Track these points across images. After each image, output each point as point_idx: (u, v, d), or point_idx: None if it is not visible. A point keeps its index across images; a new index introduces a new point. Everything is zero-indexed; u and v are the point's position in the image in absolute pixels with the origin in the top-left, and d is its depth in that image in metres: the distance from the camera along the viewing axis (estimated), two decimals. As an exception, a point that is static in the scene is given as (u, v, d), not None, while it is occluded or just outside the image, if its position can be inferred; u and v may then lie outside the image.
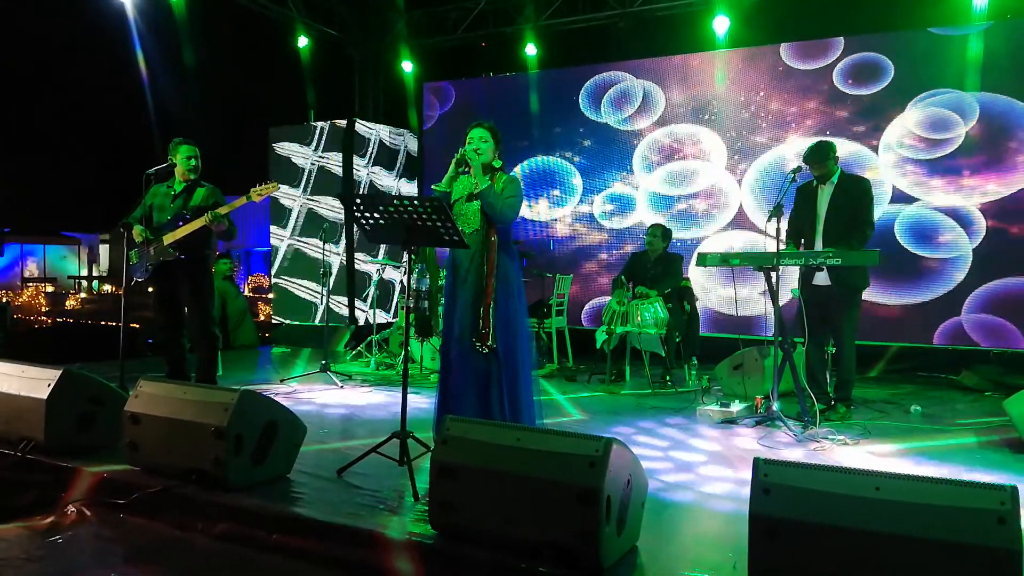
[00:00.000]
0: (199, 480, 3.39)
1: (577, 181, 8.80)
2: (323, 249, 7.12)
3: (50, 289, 22.62)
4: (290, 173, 9.19)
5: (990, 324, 6.94)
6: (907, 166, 7.24)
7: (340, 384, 6.27)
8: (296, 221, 9.23)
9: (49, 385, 3.83)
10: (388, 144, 9.46)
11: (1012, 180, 6.87)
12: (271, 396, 3.76)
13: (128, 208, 5.50)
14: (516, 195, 4.04)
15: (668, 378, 6.27)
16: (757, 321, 7.73)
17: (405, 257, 4.19)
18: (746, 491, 2.45)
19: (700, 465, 4.04)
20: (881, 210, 7.09)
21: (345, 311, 9.06)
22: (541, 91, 9.02)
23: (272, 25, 9.93)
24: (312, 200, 9.16)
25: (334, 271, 9.01)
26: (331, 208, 9.06)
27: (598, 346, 6.41)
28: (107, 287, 24.76)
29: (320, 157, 9.16)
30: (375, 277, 8.43)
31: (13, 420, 3.91)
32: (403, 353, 3.80)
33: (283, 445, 3.61)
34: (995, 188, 6.93)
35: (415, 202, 3.46)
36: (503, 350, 3.98)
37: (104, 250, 30.80)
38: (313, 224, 8.99)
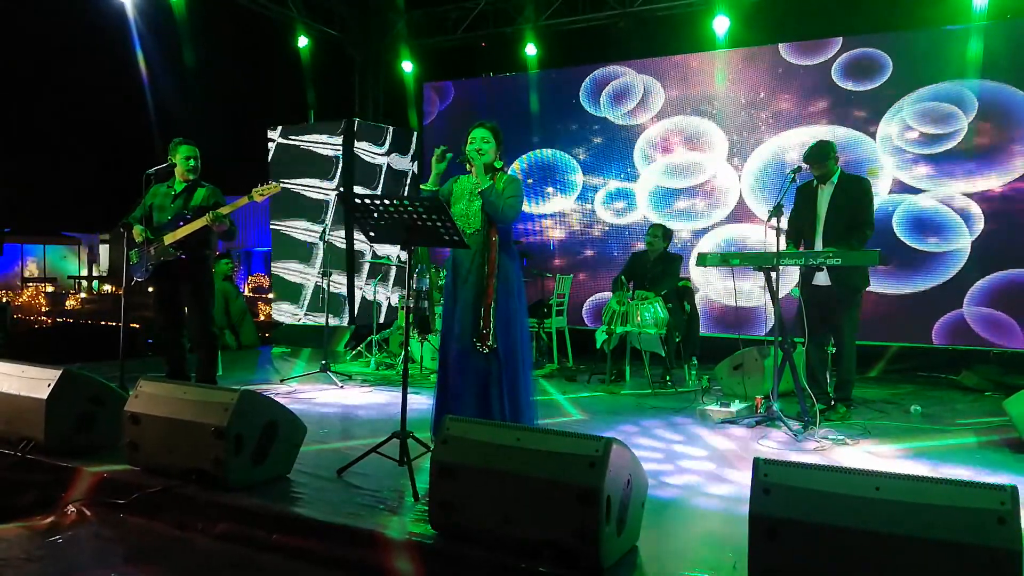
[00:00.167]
0: (199, 480, 3.39)
1: (578, 177, 8.80)
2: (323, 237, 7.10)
3: (50, 289, 22.63)
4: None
5: (992, 318, 6.94)
6: (908, 160, 7.24)
7: (340, 384, 6.27)
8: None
9: (49, 385, 3.83)
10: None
11: (1012, 174, 6.89)
12: (271, 396, 3.76)
13: (128, 208, 5.50)
14: (517, 195, 4.05)
15: (668, 378, 6.27)
16: (757, 314, 7.73)
17: (405, 256, 4.18)
18: (746, 491, 2.45)
19: (700, 465, 4.04)
20: (880, 200, 7.12)
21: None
22: (541, 91, 9.02)
23: (272, 25, 9.93)
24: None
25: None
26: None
27: (598, 346, 6.41)
28: (107, 287, 24.76)
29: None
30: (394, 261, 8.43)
31: (13, 420, 3.91)
32: (403, 353, 3.80)
33: (283, 445, 3.61)
34: (995, 180, 6.94)
35: (415, 202, 3.46)
36: (504, 350, 3.99)
37: (104, 250, 30.81)
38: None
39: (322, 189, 9.11)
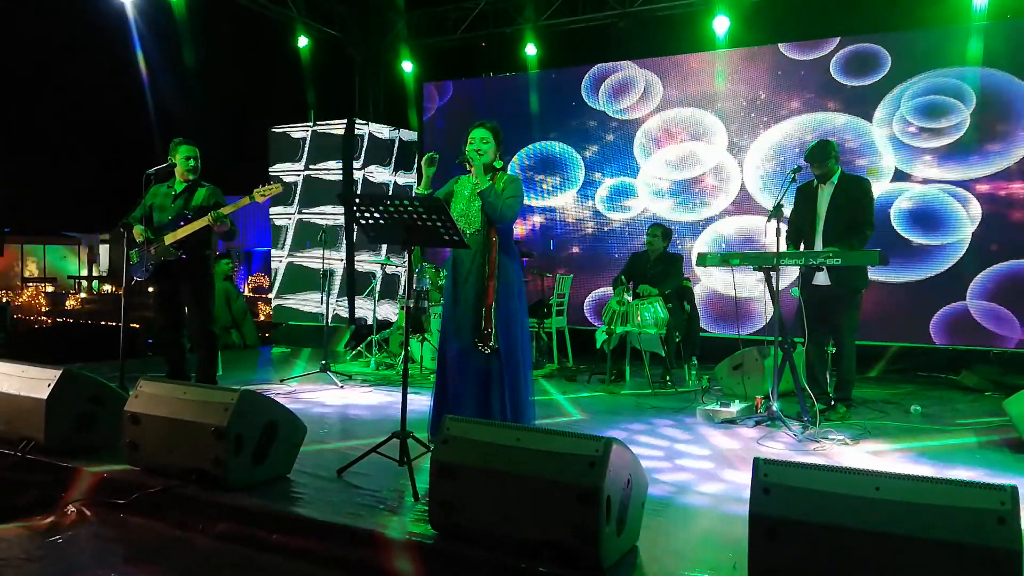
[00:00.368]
0: (199, 480, 3.39)
1: (579, 172, 8.81)
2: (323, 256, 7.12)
3: (50, 289, 22.62)
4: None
5: (994, 311, 6.95)
6: (907, 152, 7.26)
7: (340, 384, 6.27)
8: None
9: (49, 385, 3.83)
10: (382, 138, 9.44)
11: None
12: (271, 396, 3.76)
13: (128, 208, 5.50)
14: (516, 195, 4.04)
15: (668, 378, 6.27)
16: (756, 307, 7.74)
17: (405, 256, 4.18)
18: (746, 491, 2.45)
19: (700, 465, 4.04)
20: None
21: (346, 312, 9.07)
22: (541, 91, 9.03)
23: (272, 25, 9.92)
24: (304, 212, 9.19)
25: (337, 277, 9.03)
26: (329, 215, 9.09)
27: (598, 346, 6.41)
28: (107, 287, 24.74)
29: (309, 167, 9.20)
30: (379, 275, 8.43)
31: (13, 420, 3.90)
32: (403, 353, 3.80)
33: (283, 445, 3.61)
34: (994, 171, 6.96)
35: (415, 202, 3.46)
36: (504, 350, 3.98)
37: (104, 250, 30.79)
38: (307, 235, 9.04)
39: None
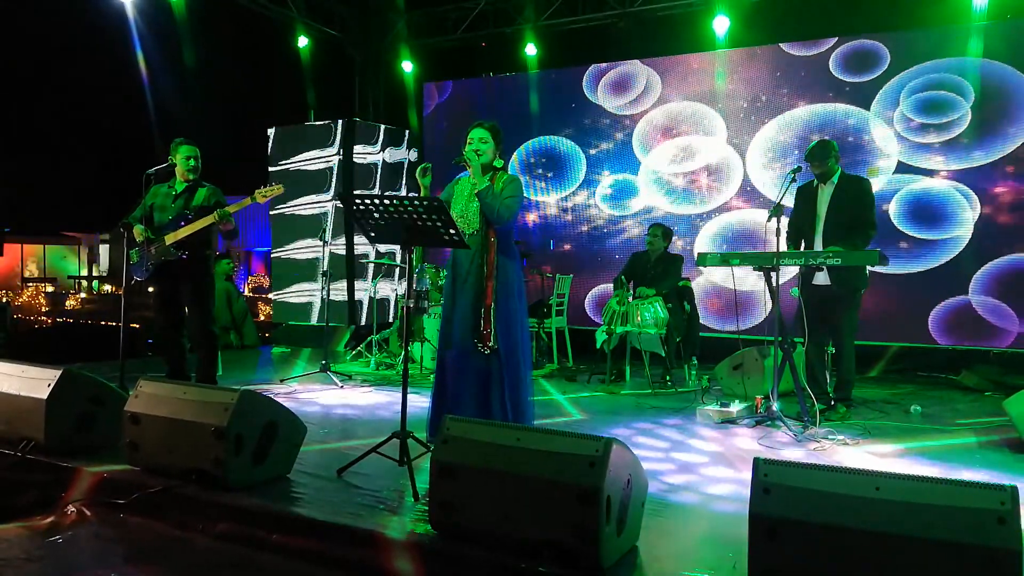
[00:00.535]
0: (199, 480, 3.39)
1: (580, 168, 8.81)
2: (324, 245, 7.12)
3: (50, 289, 22.63)
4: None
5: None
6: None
7: (340, 384, 6.27)
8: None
9: (49, 385, 3.83)
10: (390, 162, 9.50)
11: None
12: (271, 396, 3.76)
13: (128, 208, 5.50)
14: (515, 195, 4.02)
15: (668, 378, 6.27)
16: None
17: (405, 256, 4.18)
18: (746, 491, 2.45)
19: (700, 465, 4.04)
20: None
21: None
22: (541, 91, 9.03)
23: (272, 25, 9.93)
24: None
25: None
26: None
27: (598, 346, 6.41)
28: (107, 287, 24.77)
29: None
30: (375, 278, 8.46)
31: (13, 420, 3.90)
32: (403, 353, 3.80)
33: (283, 445, 3.61)
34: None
35: (415, 202, 3.46)
36: (504, 351, 3.98)
37: (104, 250, 30.81)
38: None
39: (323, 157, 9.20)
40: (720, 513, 3.28)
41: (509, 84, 9.34)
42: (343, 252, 9.00)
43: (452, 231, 3.53)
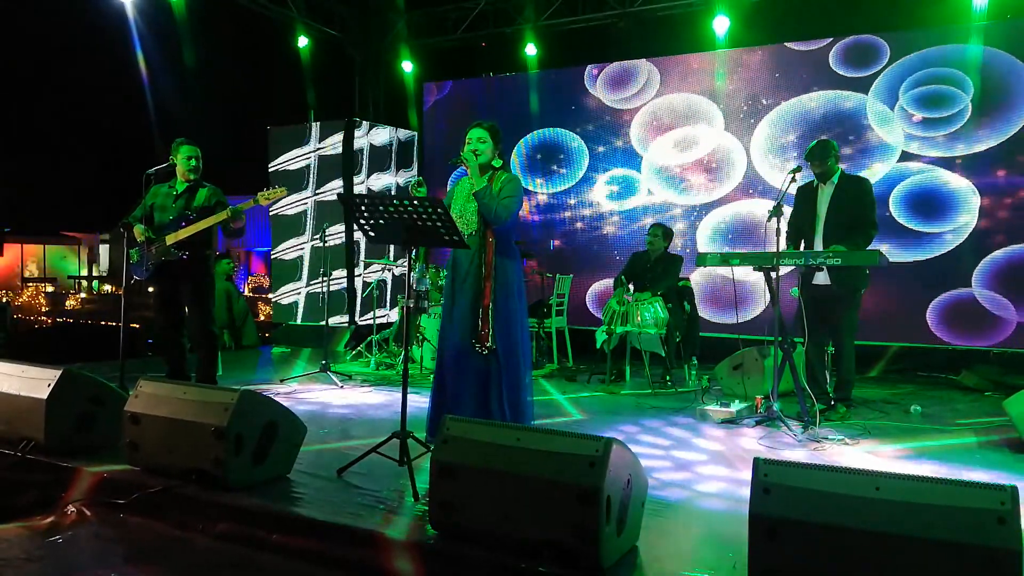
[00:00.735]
0: (199, 480, 3.39)
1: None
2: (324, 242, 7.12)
3: (50, 289, 22.64)
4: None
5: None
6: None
7: (340, 384, 6.27)
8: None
9: (49, 385, 3.83)
10: (378, 145, 9.46)
11: (1009, 156, 6.95)
12: (271, 396, 3.76)
13: (128, 208, 5.50)
14: (513, 195, 4.01)
15: (668, 378, 6.27)
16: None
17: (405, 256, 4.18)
18: (746, 491, 2.45)
19: (700, 465, 4.04)
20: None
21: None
22: (541, 91, 9.03)
23: (272, 25, 9.93)
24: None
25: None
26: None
27: (598, 346, 6.41)
28: (107, 287, 24.77)
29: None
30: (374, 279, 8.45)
31: (13, 420, 3.90)
32: (403, 353, 3.80)
33: (283, 445, 3.61)
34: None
35: (415, 202, 3.46)
36: (503, 351, 3.98)
37: (104, 250, 30.82)
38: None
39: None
40: (720, 513, 3.28)
41: (509, 84, 9.35)
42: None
43: (452, 231, 3.53)
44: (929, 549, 2.17)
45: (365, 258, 9.06)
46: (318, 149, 9.15)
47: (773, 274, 4.78)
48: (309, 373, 6.76)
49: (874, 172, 7.27)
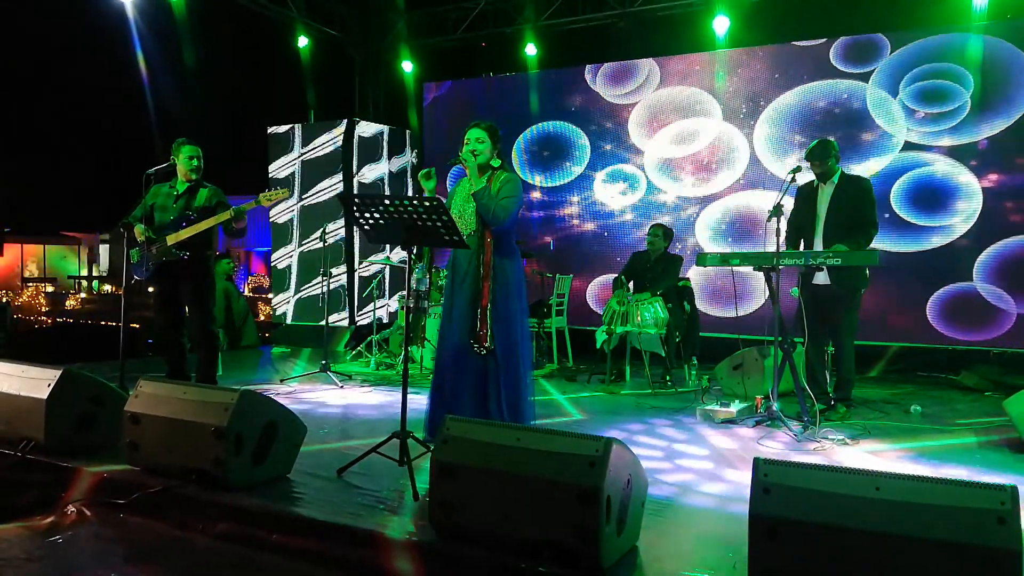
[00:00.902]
0: (199, 480, 3.39)
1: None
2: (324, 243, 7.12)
3: (50, 289, 22.64)
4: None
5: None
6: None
7: (340, 384, 6.27)
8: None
9: (49, 385, 3.83)
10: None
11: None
12: (271, 396, 3.76)
13: (128, 208, 5.50)
14: (512, 195, 4.01)
15: (668, 378, 6.27)
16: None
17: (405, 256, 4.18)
18: (746, 491, 2.45)
19: (700, 465, 4.04)
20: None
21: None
22: (541, 91, 9.03)
23: (272, 25, 9.93)
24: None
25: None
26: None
27: (598, 346, 6.41)
28: (107, 287, 24.77)
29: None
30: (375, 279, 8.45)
31: (13, 420, 3.90)
32: (403, 353, 3.80)
33: (283, 445, 3.61)
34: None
35: (415, 202, 3.46)
36: (502, 351, 3.98)
37: (104, 250, 30.82)
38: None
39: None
40: (720, 513, 3.28)
41: (509, 84, 9.34)
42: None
43: (452, 231, 3.52)
44: (929, 549, 2.17)
45: (363, 258, 9.06)
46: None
47: (773, 274, 4.78)
48: (309, 373, 6.76)
49: (874, 166, 7.27)
